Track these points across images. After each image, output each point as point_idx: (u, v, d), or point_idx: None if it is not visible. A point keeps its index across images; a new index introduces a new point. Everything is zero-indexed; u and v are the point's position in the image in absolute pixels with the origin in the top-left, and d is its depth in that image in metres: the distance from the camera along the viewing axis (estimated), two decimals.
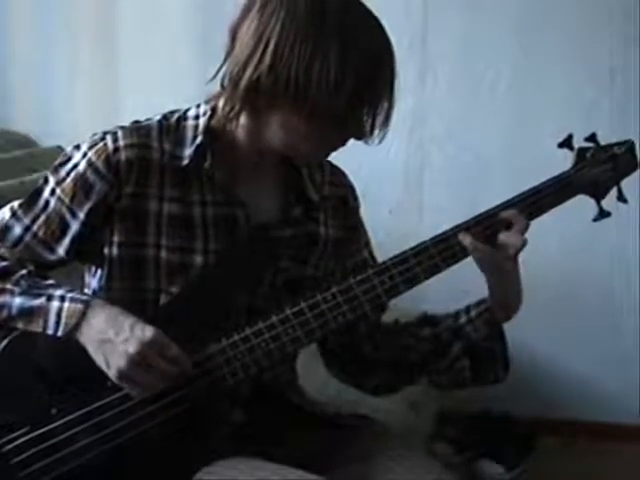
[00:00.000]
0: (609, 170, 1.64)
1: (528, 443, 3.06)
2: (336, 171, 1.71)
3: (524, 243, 1.53)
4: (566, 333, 3.23)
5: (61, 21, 3.39)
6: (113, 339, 1.46)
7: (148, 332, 1.45)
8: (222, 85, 1.52)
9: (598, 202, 1.64)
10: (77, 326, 1.48)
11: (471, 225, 1.55)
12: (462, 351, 1.63)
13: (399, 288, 1.53)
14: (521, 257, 1.55)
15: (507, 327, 1.63)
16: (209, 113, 1.56)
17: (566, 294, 3.21)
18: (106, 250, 1.56)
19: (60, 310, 1.49)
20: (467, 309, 1.64)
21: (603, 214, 1.64)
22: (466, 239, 1.53)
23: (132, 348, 1.44)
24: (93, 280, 1.62)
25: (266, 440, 1.58)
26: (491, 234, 1.54)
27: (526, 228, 1.54)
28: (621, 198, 1.65)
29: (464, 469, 2.91)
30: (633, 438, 3.18)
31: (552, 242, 3.05)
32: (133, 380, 1.46)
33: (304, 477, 1.47)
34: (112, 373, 1.46)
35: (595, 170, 1.63)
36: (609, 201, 1.65)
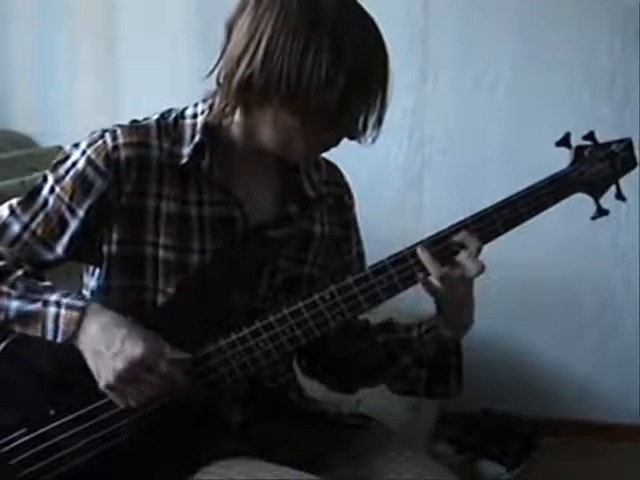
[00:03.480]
0: (607, 168, 1.63)
1: (528, 443, 3.06)
2: (332, 169, 1.71)
3: (482, 269, 1.49)
4: (566, 333, 3.23)
5: (61, 21, 3.39)
6: (104, 352, 1.46)
7: (137, 349, 1.45)
8: (218, 82, 1.52)
9: (596, 200, 1.64)
10: (74, 333, 1.48)
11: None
12: (413, 362, 1.62)
13: (397, 287, 1.52)
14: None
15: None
16: (207, 111, 1.56)
17: (566, 294, 3.20)
18: (105, 248, 1.55)
19: (57, 316, 1.49)
20: (420, 323, 1.62)
21: (601, 212, 1.64)
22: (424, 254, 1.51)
23: (120, 364, 1.45)
24: (92, 280, 1.61)
25: (265, 440, 1.58)
26: (448, 255, 1.51)
27: (479, 250, 1.50)
28: (620, 196, 1.64)
29: (464, 469, 2.91)
30: (633, 438, 3.18)
31: (552, 241, 3.04)
32: (120, 393, 1.47)
33: (303, 477, 1.48)
34: (101, 384, 1.47)
35: (593, 168, 1.62)
36: (608, 199, 1.65)
